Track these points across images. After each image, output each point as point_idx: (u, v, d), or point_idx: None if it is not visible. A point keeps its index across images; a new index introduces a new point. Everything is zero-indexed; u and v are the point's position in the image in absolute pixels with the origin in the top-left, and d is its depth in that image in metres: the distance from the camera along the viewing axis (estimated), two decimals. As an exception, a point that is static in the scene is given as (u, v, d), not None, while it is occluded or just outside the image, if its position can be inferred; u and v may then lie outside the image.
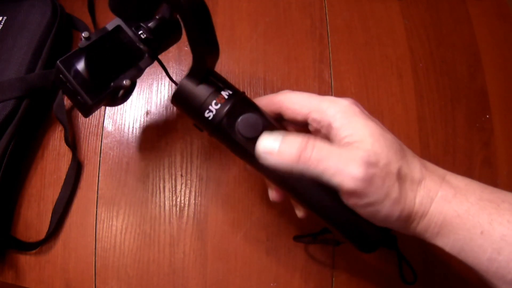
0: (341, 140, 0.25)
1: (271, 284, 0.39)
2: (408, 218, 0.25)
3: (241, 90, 0.36)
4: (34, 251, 0.40)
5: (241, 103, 0.27)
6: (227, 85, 0.28)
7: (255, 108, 0.28)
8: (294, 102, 0.27)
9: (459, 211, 0.23)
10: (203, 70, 0.27)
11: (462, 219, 0.23)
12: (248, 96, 0.29)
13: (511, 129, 0.45)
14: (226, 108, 0.27)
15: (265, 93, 0.45)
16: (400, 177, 0.24)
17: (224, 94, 0.27)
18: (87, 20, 0.48)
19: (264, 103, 0.29)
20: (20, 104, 0.40)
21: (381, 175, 0.23)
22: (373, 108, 0.45)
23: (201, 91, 0.27)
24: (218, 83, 0.27)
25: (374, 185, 0.23)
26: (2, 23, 0.44)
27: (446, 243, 0.24)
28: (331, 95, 0.45)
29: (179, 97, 0.28)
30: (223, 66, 0.46)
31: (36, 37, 0.43)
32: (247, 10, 0.49)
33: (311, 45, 0.47)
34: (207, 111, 0.27)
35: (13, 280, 0.40)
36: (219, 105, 0.27)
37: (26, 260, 0.40)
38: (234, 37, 0.48)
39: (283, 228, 0.41)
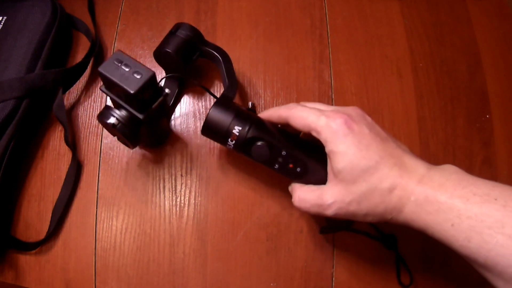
0: (329, 164, 0.31)
1: (271, 284, 0.39)
2: (381, 220, 0.30)
3: (241, 90, 0.42)
4: (34, 251, 0.40)
5: (250, 137, 0.34)
6: (238, 117, 0.34)
7: (262, 136, 0.34)
8: (297, 118, 0.32)
9: (430, 210, 0.27)
10: (230, 100, 0.36)
11: (434, 216, 0.27)
12: (251, 98, 0.32)
13: (511, 129, 0.45)
14: (239, 143, 0.34)
15: (265, 93, 0.45)
16: (362, 199, 0.29)
17: (235, 132, 0.34)
18: (87, 20, 0.48)
19: (275, 119, 0.35)
20: (20, 104, 0.40)
21: (343, 206, 0.30)
22: (373, 108, 0.45)
23: (219, 129, 0.34)
24: (232, 116, 0.34)
25: (340, 213, 0.31)
26: (2, 23, 0.44)
27: (425, 231, 0.28)
28: (331, 95, 0.45)
29: (206, 132, 0.36)
30: (223, 66, 0.46)
31: (36, 37, 0.43)
32: (247, 10, 0.49)
33: (311, 45, 0.47)
34: (227, 144, 0.35)
35: (13, 280, 0.40)
36: (233, 141, 0.34)
37: (26, 260, 0.40)
38: (234, 37, 0.48)
39: (283, 228, 0.41)
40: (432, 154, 0.43)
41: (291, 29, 0.48)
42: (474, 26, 0.49)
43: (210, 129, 0.35)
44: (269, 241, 0.40)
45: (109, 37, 0.48)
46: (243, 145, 0.34)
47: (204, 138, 0.43)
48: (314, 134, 0.31)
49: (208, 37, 0.47)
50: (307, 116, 0.32)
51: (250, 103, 0.37)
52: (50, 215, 0.41)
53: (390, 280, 0.39)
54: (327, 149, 0.31)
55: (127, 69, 0.30)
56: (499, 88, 0.46)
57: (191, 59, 0.40)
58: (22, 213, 0.41)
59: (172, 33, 0.40)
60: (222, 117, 0.34)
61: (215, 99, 0.37)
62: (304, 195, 0.33)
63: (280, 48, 0.47)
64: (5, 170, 0.39)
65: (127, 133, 0.33)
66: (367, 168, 0.29)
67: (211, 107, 0.35)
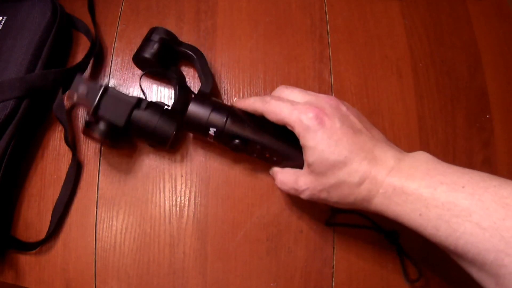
0: (303, 154, 0.33)
1: (271, 284, 0.39)
2: (352, 208, 0.32)
3: (241, 90, 0.43)
4: (34, 251, 0.40)
5: (226, 135, 0.36)
6: (214, 112, 0.36)
7: (237, 133, 0.36)
8: (271, 113, 0.34)
9: (398, 201, 0.28)
10: (207, 95, 0.39)
11: (402, 206, 0.28)
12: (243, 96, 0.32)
13: (511, 129, 0.45)
14: (217, 139, 0.37)
15: (265, 93, 0.45)
16: (332, 189, 0.31)
17: (211, 132, 0.37)
18: (87, 20, 0.48)
19: (250, 111, 0.36)
20: (20, 104, 0.40)
21: (315, 193, 0.32)
22: (373, 108, 0.45)
23: (198, 125, 0.37)
24: (209, 111, 0.36)
25: (313, 198, 0.33)
26: (2, 23, 0.44)
27: (396, 221, 0.29)
28: (331, 95, 0.45)
29: (186, 128, 0.38)
30: (224, 66, 0.46)
31: (36, 37, 0.43)
32: (247, 10, 0.49)
33: (311, 45, 0.47)
34: (208, 138, 0.38)
35: (13, 280, 0.40)
36: (212, 139, 0.37)
37: (26, 260, 0.40)
38: (234, 37, 0.48)
39: (283, 228, 0.41)
40: (432, 154, 0.43)
41: (291, 29, 0.48)
42: (474, 26, 0.49)
43: (189, 124, 0.37)
44: (269, 241, 0.40)
45: (109, 37, 0.48)
46: (221, 140, 0.37)
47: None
48: (289, 127, 0.33)
49: (208, 37, 0.48)
50: (280, 111, 0.33)
51: (235, 99, 0.38)
52: (50, 215, 0.41)
53: (390, 280, 0.39)
54: (300, 143, 0.32)
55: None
56: (499, 88, 0.46)
57: (168, 63, 0.43)
58: (22, 213, 0.41)
59: (147, 38, 0.42)
60: (200, 113, 0.36)
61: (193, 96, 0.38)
62: (283, 178, 0.35)
63: (280, 48, 0.47)
64: (5, 170, 0.39)
65: (102, 131, 0.37)
66: (336, 163, 0.30)
67: (190, 103, 0.37)
